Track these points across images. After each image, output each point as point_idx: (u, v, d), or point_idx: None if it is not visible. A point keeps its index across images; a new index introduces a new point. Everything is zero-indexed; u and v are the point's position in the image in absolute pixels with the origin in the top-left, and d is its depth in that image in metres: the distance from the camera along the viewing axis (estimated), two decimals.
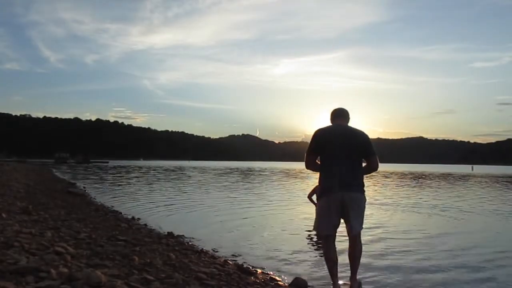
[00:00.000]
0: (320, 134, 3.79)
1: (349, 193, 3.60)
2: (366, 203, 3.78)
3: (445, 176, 39.84)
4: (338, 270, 3.77)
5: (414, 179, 31.78)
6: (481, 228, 8.27)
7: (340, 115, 3.94)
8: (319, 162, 3.81)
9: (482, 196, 16.33)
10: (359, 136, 3.76)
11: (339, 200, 3.60)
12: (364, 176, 3.81)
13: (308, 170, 4.02)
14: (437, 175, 44.27)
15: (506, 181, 30.96)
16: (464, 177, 37.89)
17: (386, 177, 33.99)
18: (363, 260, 4.00)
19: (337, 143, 3.67)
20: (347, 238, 3.83)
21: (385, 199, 13.94)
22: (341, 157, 3.64)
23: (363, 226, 3.75)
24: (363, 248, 3.87)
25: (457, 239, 6.83)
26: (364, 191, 3.72)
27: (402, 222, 8.83)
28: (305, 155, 3.83)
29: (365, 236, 5.12)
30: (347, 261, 3.85)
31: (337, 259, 3.73)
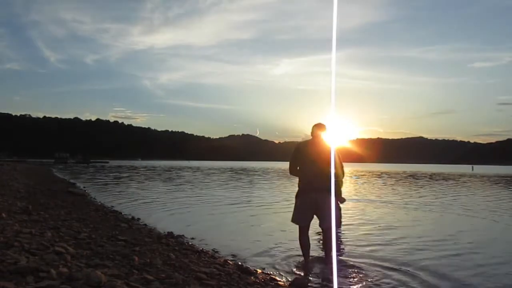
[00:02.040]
0: (299, 148, 4.85)
1: (320, 194, 4.53)
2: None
3: (439, 176, 39.79)
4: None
5: (404, 180, 31.55)
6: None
7: (318, 128, 4.78)
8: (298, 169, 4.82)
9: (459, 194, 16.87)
10: (329, 149, 4.64)
11: (313, 200, 4.59)
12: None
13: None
14: (428, 174, 44.27)
15: (494, 181, 31.01)
16: (460, 177, 37.84)
17: (379, 176, 33.88)
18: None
19: (311, 155, 4.67)
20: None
21: (363, 196, 14.23)
22: (314, 165, 4.59)
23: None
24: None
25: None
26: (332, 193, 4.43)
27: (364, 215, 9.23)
28: (289, 163, 4.87)
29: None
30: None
31: (309, 245, 4.87)
